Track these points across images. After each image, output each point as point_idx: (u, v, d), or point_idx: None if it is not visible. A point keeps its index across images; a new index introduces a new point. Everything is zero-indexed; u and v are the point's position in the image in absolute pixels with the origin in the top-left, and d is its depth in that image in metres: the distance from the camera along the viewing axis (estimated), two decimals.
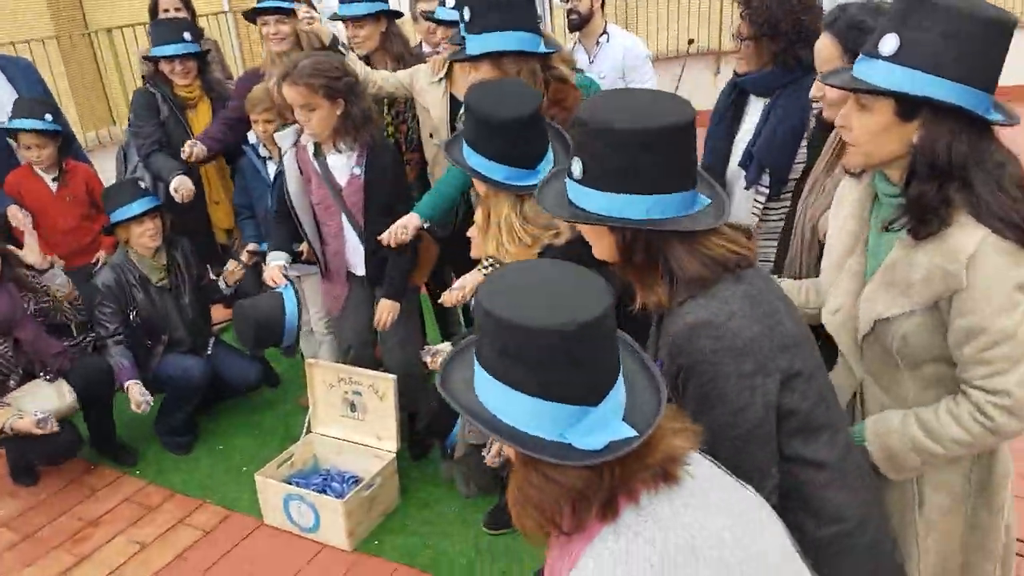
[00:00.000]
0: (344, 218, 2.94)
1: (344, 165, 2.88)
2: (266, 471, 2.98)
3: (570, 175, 1.34)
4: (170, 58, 3.43)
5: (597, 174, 1.27)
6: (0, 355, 3.13)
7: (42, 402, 3.09)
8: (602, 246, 1.38)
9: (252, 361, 3.63)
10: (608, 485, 0.99)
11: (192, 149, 3.26)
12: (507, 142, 1.97)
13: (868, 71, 1.35)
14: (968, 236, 1.33)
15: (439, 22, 3.17)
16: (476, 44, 2.31)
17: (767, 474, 1.31)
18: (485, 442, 2.67)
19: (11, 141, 3.52)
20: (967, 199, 1.34)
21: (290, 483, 2.94)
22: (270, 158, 3.33)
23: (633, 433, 1.01)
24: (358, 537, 2.85)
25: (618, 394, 1.04)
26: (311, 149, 2.90)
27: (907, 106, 1.34)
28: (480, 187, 2.12)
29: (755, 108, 2.43)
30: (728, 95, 2.49)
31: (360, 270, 3.03)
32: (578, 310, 0.99)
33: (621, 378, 1.06)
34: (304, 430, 3.20)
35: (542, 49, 2.34)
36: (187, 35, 3.45)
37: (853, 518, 1.38)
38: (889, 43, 1.31)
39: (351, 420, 3.11)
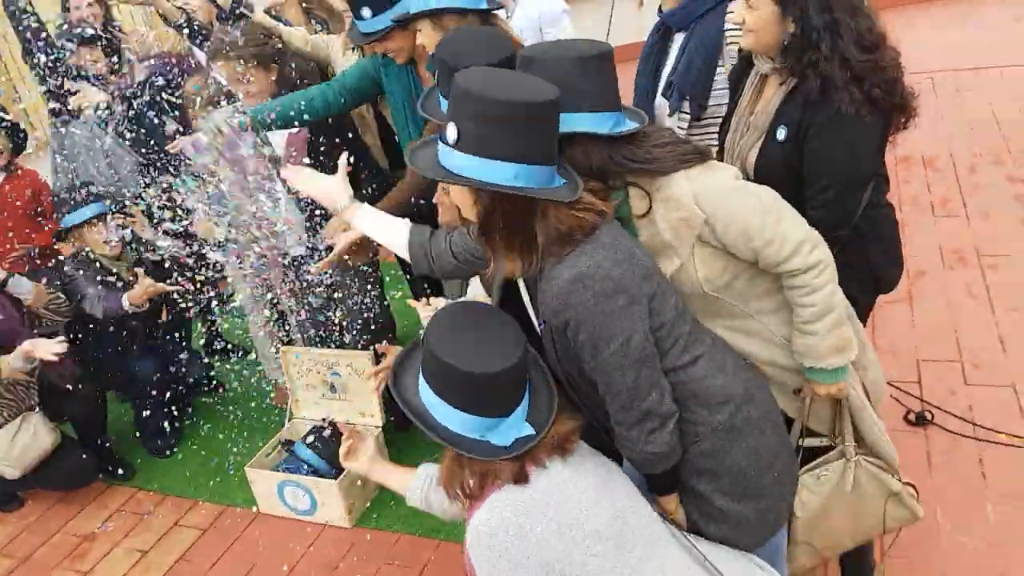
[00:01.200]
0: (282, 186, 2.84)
1: (277, 139, 2.87)
2: (256, 462, 3.01)
3: (443, 139, 1.41)
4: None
5: (470, 139, 1.36)
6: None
7: (23, 442, 3.05)
8: (467, 209, 1.50)
9: (200, 359, 3.66)
10: (519, 462, 1.44)
11: None
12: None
13: None
14: (678, 185, 1.57)
15: None
16: (416, 3, 2.28)
17: (662, 386, 1.52)
18: None
19: None
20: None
21: (279, 470, 2.97)
22: None
23: (532, 432, 1.46)
24: (357, 513, 2.92)
25: (524, 403, 1.48)
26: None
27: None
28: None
29: (677, 44, 2.59)
30: (652, 36, 2.58)
31: (297, 249, 3.00)
32: (501, 357, 1.42)
33: (527, 390, 1.49)
34: (287, 417, 3.22)
35: (483, 6, 2.32)
36: None
37: (738, 395, 1.60)
38: None
39: (333, 400, 3.14)
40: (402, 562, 2.70)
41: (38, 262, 3.64)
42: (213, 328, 4.18)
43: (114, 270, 3.32)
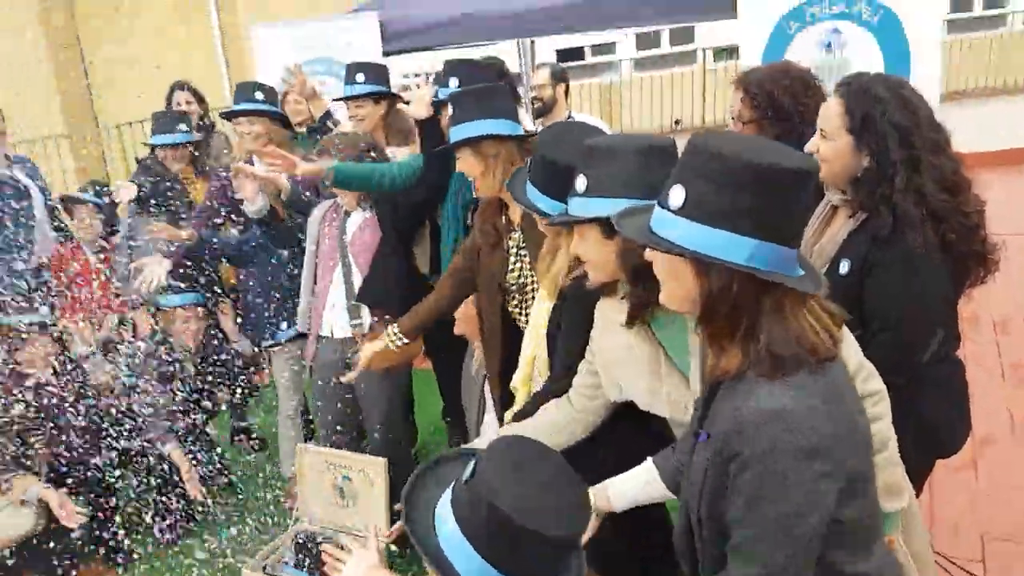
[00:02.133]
0: (338, 269, 3.07)
1: (358, 221, 3.11)
2: (254, 564, 2.87)
3: (661, 204, 1.22)
4: (163, 145, 3.69)
5: (699, 205, 1.15)
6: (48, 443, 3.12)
7: (6, 519, 3.01)
8: (678, 289, 1.24)
9: (218, 467, 3.62)
10: None
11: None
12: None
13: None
14: None
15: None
16: (455, 133, 2.43)
17: None
18: None
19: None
20: None
21: (279, 575, 2.82)
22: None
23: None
24: None
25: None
26: (343, 208, 3.13)
27: None
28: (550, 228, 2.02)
29: None
30: None
31: (340, 331, 3.11)
32: (569, 519, 1.25)
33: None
34: (293, 518, 3.10)
35: (519, 132, 2.43)
36: (181, 127, 3.62)
37: None
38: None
39: (340, 507, 3.01)
40: None
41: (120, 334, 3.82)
42: (242, 419, 4.16)
43: (182, 364, 3.40)
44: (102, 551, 3.29)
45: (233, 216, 3.49)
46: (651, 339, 1.68)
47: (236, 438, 4.12)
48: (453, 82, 2.79)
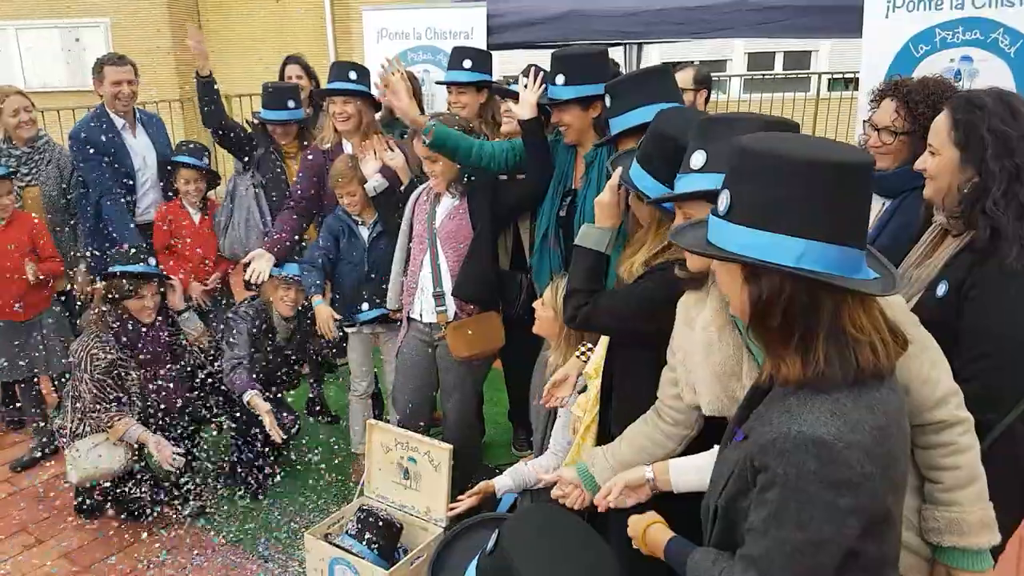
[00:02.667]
0: (426, 257, 3.10)
1: (448, 207, 3.12)
2: (316, 530, 2.96)
3: (714, 212, 1.18)
4: (273, 121, 3.78)
5: (745, 208, 1.10)
6: (142, 388, 3.33)
7: (96, 458, 3.18)
8: (735, 297, 1.20)
9: (293, 415, 3.68)
10: None
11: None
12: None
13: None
14: None
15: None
16: (616, 124, 2.49)
17: None
18: None
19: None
20: None
21: (338, 544, 2.88)
22: (363, 223, 3.44)
23: None
24: None
25: None
26: (433, 193, 3.15)
27: None
28: (642, 211, 1.99)
29: (874, 207, 2.34)
30: None
31: (428, 316, 3.13)
32: None
33: None
34: (358, 492, 3.17)
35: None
36: (290, 103, 3.73)
37: None
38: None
39: (403, 487, 3.06)
40: None
41: (218, 296, 4.02)
42: (319, 391, 4.28)
43: (278, 335, 3.54)
44: (178, 502, 3.46)
45: (325, 201, 3.57)
46: (736, 339, 1.63)
47: (311, 408, 4.25)
48: (560, 79, 2.77)
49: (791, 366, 1.14)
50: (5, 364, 3.67)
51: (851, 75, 8.58)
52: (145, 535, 3.29)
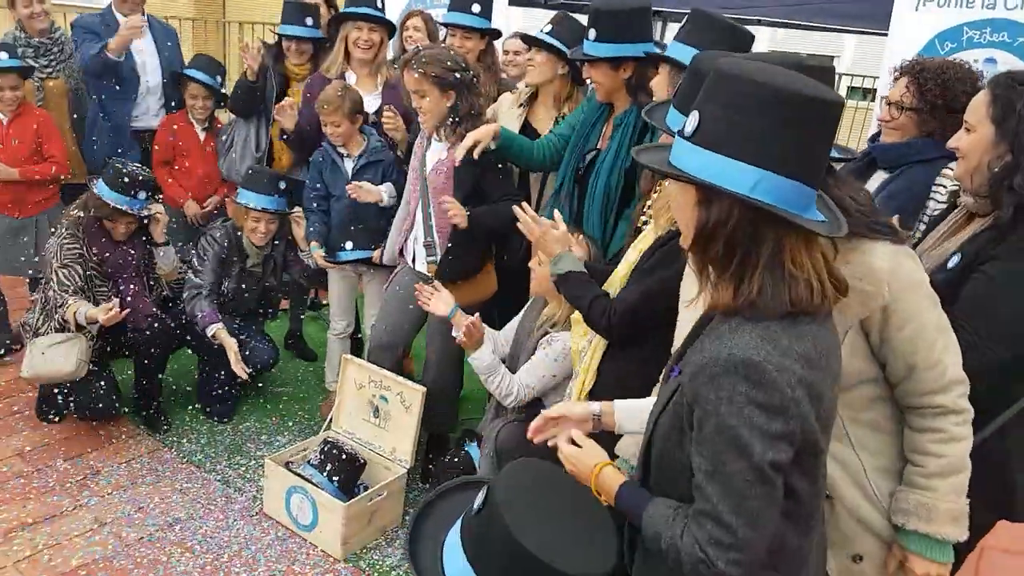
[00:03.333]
0: (419, 206, 2.97)
1: (438, 154, 2.94)
2: (278, 457, 2.92)
3: (680, 132, 1.17)
4: (289, 37, 3.69)
5: (709, 131, 1.09)
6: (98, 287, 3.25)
7: (50, 357, 3.10)
8: (684, 221, 1.18)
9: (272, 347, 3.64)
10: None
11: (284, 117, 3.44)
12: None
13: None
14: (878, 256, 1.40)
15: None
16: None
17: (768, 531, 1.14)
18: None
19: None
20: None
21: (299, 472, 2.84)
22: (348, 155, 3.35)
23: None
24: (350, 549, 2.73)
25: None
26: (425, 136, 3.00)
27: None
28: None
29: (876, 180, 2.34)
30: (855, 165, 2.38)
31: (419, 264, 3.03)
32: (598, 560, 1.24)
33: None
34: (325, 425, 3.13)
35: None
36: (308, 20, 3.67)
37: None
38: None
39: (372, 425, 3.02)
40: None
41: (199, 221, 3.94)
42: (298, 329, 4.23)
43: (249, 261, 3.46)
44: (143, 416, 3.41)
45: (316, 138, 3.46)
46: None
47: (289, 342, 4.19)
48: (592, 34, 2.66)
49: (723, 292, 1.15)
50: None
51: (871, 79, 8.53)
52: (105, 445, 3.24)
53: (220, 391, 3.47)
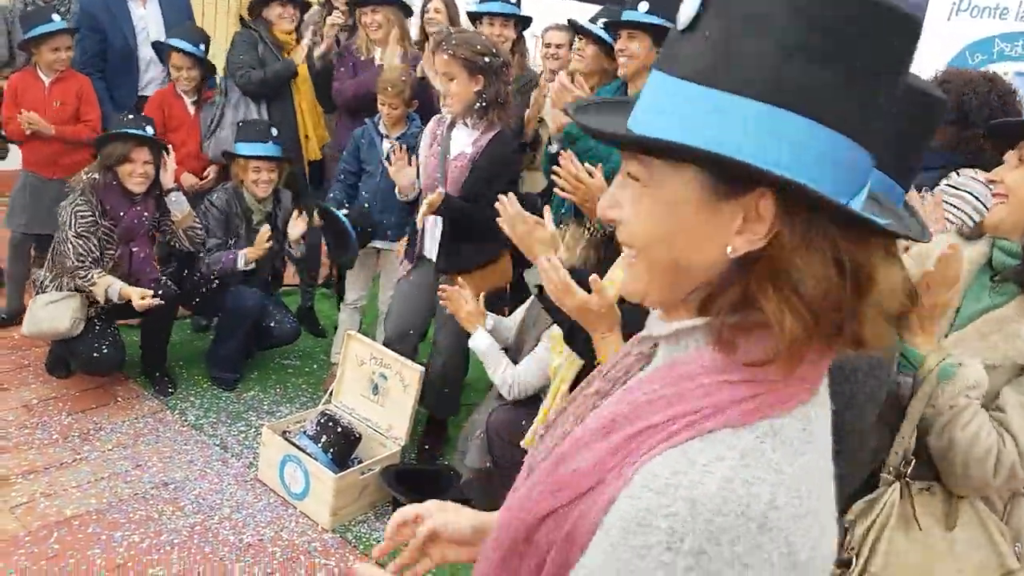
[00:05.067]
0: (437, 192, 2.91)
1: (463, 140, 2.89)
2: (275, 426, 2.94)
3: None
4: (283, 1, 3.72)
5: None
6: (116, 262, 3.29)
7: (48, 314, 3.17)
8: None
9: (295, 321, 3.67)
10: None
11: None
12: None
13: None
14: None
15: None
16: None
17: None
18: (489, 466, 2.54)
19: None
20: None
21: (294, 442, 2.86)
22: (387, 136, 3.37)
23: None
24: (339, 520, 2.74)
25: None
26: (447, 120, 2.93)
27: None
28: None
29: None
30: None
31: (431, 253, 3.00)
32: None
33: None
34: (324, 399, 3.16)
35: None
36: None
37: None
38: None
39: (370, 401, 3.04)
40: None
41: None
42: (309, 302, 4.26)
43: (255, 218, 3.49)
44: (150, 379, 3.46)
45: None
46: None
47: (298, 316, 4.22)
48: (644, 6, 2.61)
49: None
50: (23, 221, 3.69)
51: None
52: (110, 403, 3.30)
53: (228, 359, 3.52)
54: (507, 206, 2.09)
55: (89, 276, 3.14)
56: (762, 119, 0.63)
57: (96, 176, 3.22)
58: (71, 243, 3.14)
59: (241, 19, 4.02)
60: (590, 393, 0.86)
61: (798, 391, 0.68)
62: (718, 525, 0.61)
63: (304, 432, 2.86)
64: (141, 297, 3.07)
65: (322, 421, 2.87)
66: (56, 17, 3.56)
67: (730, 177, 0.65)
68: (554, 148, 2.68)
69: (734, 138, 0.63)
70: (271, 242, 3.38)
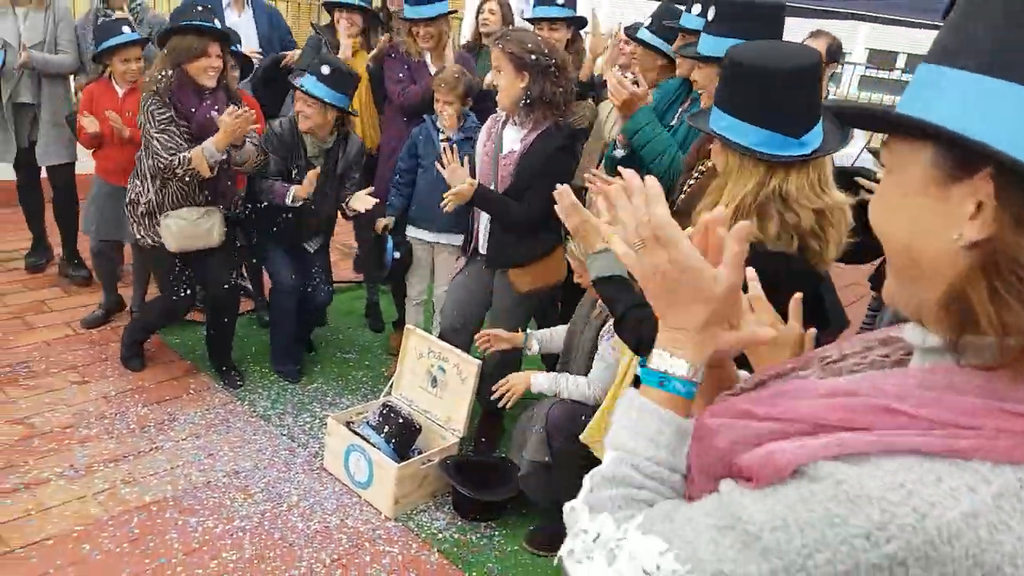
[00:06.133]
0: (491, 187, 2.98)
1: (512, 138, 2.95)
2: (339, 416, 3.04)
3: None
4: (340, 6, 3.76)
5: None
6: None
7: (195, 229, 3.30)
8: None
9: (330, 290, 3.71)
10: None
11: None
12: (770, 99, 1.62)
13: None
14: None
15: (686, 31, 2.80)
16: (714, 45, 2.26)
17: None
18: (547, 460, 2.58)
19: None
20: None
21: (358, 432, 2.95)
22: (441, 131, 3.43)
23: None
24: (401, 508, 2.82)
25: None
26: (501, 119, 2.99)
27: None
28: (719, 158, 1.78)
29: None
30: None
31: (483, 247, 3.06)
32: None
33: None
34: (385, 391, 3.24)
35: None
36: None
37: None
38: None
39: (429, 393, 3.11)
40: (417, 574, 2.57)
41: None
42: (373, 297, 4.35)
43: (309, 152, 3.47)
44: (220, 372, 3.61)
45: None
46: None
47: (365, 312, 4.33)
48: (696, 8, 2.57)
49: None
50: (94, 227, 3.81)
51: None
52: (182, 395, 3.45)
53: (287, 350, 3.66)
54: (563, 196, 2.10)
55: (185, 159, 3.14)
56: (982, 92, 0.63)
57: (160, 76, 3.20)
58: (156, 140, 3.15)
59: (313, 25, 4.12)
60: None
61: None
62: (941, 553, 0.56)
63: (367, 422, 2.95)
64: (229, 113, 3.08)
65: (384, 412, 2.95)
66: (127, 29, 3.69)
67: (959, 158, 0.64)
68: (620, 153, 2.68)
69: (955, 113, 0.63)
70: (319, 182, 3.34)
